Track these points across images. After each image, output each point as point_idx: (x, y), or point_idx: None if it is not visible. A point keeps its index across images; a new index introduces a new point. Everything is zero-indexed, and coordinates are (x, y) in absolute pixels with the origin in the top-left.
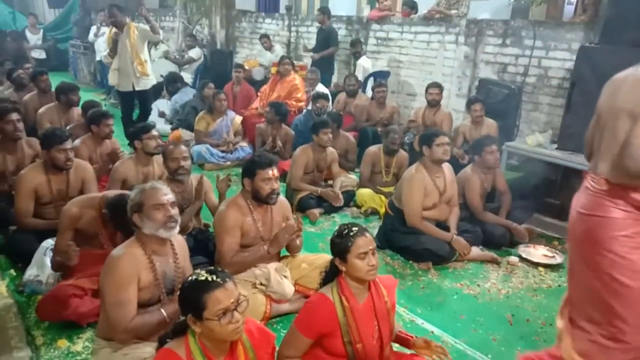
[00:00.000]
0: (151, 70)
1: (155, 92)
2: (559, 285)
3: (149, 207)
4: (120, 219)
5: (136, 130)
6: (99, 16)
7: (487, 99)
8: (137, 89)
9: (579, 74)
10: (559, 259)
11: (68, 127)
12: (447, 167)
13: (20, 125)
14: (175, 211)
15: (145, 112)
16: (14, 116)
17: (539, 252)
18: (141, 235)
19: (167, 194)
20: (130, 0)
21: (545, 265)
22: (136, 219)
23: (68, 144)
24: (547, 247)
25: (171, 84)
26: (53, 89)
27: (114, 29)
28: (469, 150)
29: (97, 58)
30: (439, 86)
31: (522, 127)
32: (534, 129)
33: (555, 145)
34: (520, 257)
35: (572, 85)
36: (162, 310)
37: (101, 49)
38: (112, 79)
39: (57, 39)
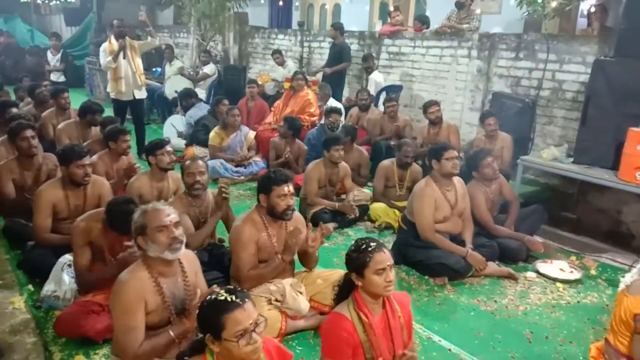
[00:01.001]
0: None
1: (170, 107)
2: (578, 302)
3: (152, 229)
4: (117, 222)
5: (150, 146)
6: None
7: (500, 112)
8: (136, 97)
9: (594, 87)
10: (577, 275)
11: (86, 143)
12: (458, 180)
13: (35, 141)
14: (179, 231)
15: (140, 117)
16: (29, 133)
17: (556, 267)
18: (147, 257)
19: (169, 215)
20: (106, 18)
21: (564, 281)
22: (140, 241)
23: (86, 160)
24: (565, 262)
25: (185, 99)
26: (72, 107)
27: (117, 40)
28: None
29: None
30: (437, 103)
31: (536, 140)
32: (549, 143)
33: (572, 159)
34: (537, 272)
35: (587, 98)
36: (170, 332)
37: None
38: (114, 87)
39: (74, 56)
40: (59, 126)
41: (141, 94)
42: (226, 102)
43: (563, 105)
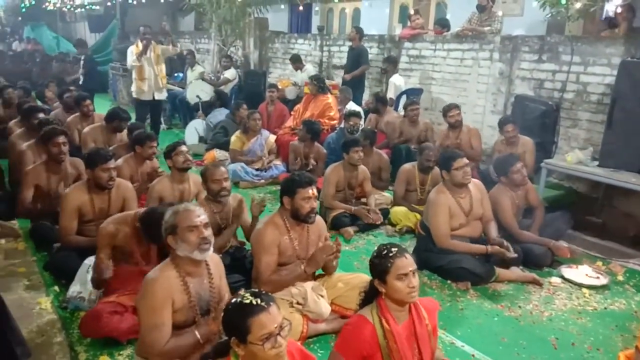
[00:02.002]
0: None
1: (191, 112)
2: (605, 308)
3: (182, 229)
4: (152, 232)
5: (167, 149)
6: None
7: (523, 115)
8: (156, 98)
9: (620, 89)
10: (604, 280)
11: (111, 148)
12: (474, 185)
13: (65, 148)
14: (208, 232)
15: (157, 117)
16: (61, 139)
17: (582, 273)
18: (175, 256)
19: (200, 215)
20: (129, 25)
21: (590, 287)
22: (170, 240)
23: (111, 164)
24: (591, 267)
25: (215, 103)
26: (96, 112)
27: (142, 43)
28: None
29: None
30: (457, 106)
31: (560, 144)
32: (573, 146)
33: (597, 163)
34: (562, 277)
35: (613, 101)
36: (196, 332)
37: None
38: (138, 86)
39: (98, 62)
40: (85, 130)
41: (161, 96)
42: (245, 107)
43: (588, 107)
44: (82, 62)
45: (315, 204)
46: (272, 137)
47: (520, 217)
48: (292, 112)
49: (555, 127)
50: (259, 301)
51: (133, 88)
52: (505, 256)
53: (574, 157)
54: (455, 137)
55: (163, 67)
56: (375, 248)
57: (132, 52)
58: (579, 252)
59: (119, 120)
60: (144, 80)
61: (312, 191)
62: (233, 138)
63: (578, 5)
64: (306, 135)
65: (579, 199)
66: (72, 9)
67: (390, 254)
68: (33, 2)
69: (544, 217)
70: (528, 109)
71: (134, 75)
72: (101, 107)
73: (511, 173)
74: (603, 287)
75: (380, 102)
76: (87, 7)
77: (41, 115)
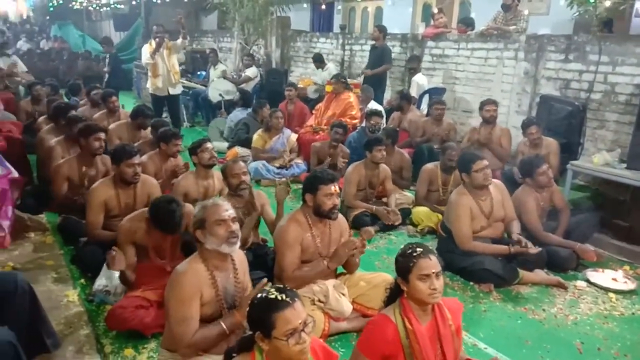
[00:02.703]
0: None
1: (213, 110)
2: (633, 314)
3: (211, 223)
4: (161, 222)
5: (192, 146)
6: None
7: (549, 116)
8: (170, 93)
9: None
10: (631, 285)
11: (136, 144)
12: (494, 186)
13: (102, 143)
14: (236, 226)
15: (176, 112)
16: (102, 135)
17: (608, 277)
18: (203, 250)
19: (228, 210)
20: (168, 23)
21: (617, 291)
22: (199, 235)
23: (136, 159)
24: (618, 272)
25: (238, 102)
26: (122, 109)
27: (156, 41)
28: None
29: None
30: (494, 102)
31: (587, 145)
32: (600, 147)
33: (624, 165)
34: (588, 281)
35: None
36: (222, 324)
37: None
38: (153, 82)
39: (122, 60)
40: (110, 127)
41: (175, 91)
42: (268, 106)
43: (615, 108)
44: (107, 60)
45: (338, 201)
46: (294, 136)
47: (545, 219)
48: (313, 111)
49: (582, 128)
50: (284, 297)
51: (148, 84)
52: (528, 253)
53: (601, 158)
54: (487, 133)
55: (175, 62)
56: (400, 247)
57: (146, 50)
58: (606, 256)
59: (143, 117)
60: (157, 76)
61: (334, 188)
62: (255, 136)
63: (607, 3)
64: (343, 137)
65: (606, 201)
66: (97, 8)
67: (415, 254)
68: (61, 2)
69: (569, 220)
70: (554, 109)
71: (148, 72)
72: (126, 104)
73: (537, 175)
74: (630, 292)
75: (405, 100)
76: (113, 6)
77: (73, 112)
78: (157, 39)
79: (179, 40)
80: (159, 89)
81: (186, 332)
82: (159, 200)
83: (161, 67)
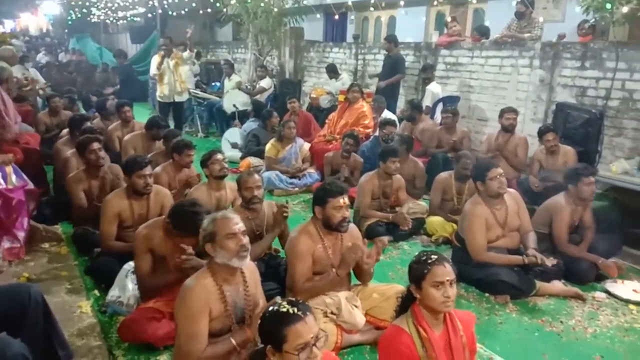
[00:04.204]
0: (187, 86)
1: (227, 121)
2: None
3: (221, 236)
4: (183, 224)
5: (203, 158)
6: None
7: (565, 123)
8: (176, 100)
9: None
10: None
11: (150, 155)
12: (509, 195)
13: (102, 152)
14: (246, 240)
15: (180, 118)
16: (95, 145)
17: (628, 288)
18: (213, 264)
19: (238, 223)
20: (181, 35)
21: (638, 303)
22: (209, 248)
23: (147, 170)
24: (639, 283)
25: (251, 112)
26: (136, 120)
27: (163, 53)
28: (545, 178)
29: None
30: (514, 111)
31: (604, 153)
32: (618, 156)
33: None
34: (607, 292)
35: None
36: (232, 340)
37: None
38: (160, 91)
39: (139, 72)
40: (126, 137)
41: (181, 98)
42: (276, 114)
43: (634, 116)
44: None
45: (348, 213)
46: (307, 146)
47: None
48: (326, 121)
49: (599, 136)
50: (295, 310)
51: (157, 92)
52: (544, 264)
53: (619, 167)
54: (505, 142)
55: (183, 72)
56: (415, 254)
57: (154, 61)
58: (626, 267)
59: (157, 128)
60: (164, 85)
61: (343, 200)
62: (268, 146)
63: (625, 9)
64: (356, 147)
65: (625, 210)
66: (114, 20)
67: (429, 261)
68: (79, 15)
69: (593, 237)
70: (570, 117)
71: (157, 81)
72: (141, 115)
73: (582, 184)
74: None
75: (415, 110)
76: (129, 19)
77: (88, 123)
78: (162, 52)
79: (186, 53)
80: (165, 96)
81: (195, 349)
82: (181, 203)
83: (167, 77)
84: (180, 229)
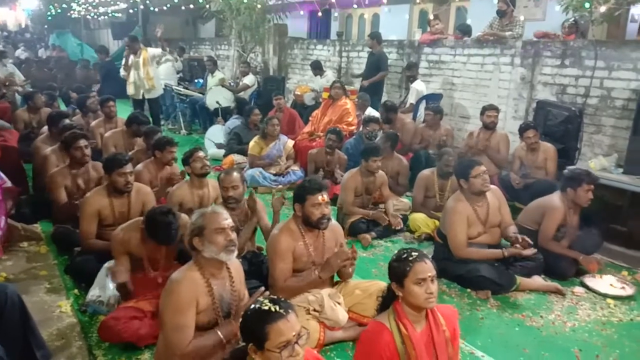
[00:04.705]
0: (157, 83)
1: (211, 118)
2: (631, 320)
3: (210, 231)
4: (156, 233)
5: (185, 156)
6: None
7: (546, 121)
8: (146, 97)
9: None
10: (629, 291)
11: (131, 152)
12: (491, 192)
13: (88, 150)
14: (234, 235)
15: (155, 114)
16: (82, 142)
17: (606, 283)
18: (200, 258)
19: (227, 219)
20: (151, 32)
21: (615, 297)
22: (197, 242)
23: (128, 168)
24: (616, 277)
25: (234, 110)
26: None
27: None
28: (526, 175)
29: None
30: (496, 108)
31: (583, 150)
32: (596, 152)
33: (621, 170)
34: (586, 287)
35: (639, 106)
36: (218, 332)
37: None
38: (129, 90)
39: (119, 68)
40: (106, 134)
41: (150, 95)
42: (257, 112)
43: (612, 113)
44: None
45: (327, 210)
46: (291, 142)
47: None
48: (310, 118)
49: (579, 133)
50: (277, 308)
51: (128, 89)
52: (522, 255)
53: (598, 163)
54: (486, 139)
55: (150, 69)
56: (395, 252)
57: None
58: (604, 262)
59: (137, 125)
60: (130, 83)
61: (322, 197)
62: (252, 143)
63: (603, 9)
64: (339, 144)
65: (603, 206)
66: (95, 16)
67: (410, 258)
68: (59, 11)
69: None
70: (550, 114)
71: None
72: (122, 111)
73: (582, 189)
74: (629, 298)
75: (391, 111)
76: (110, 14)
77: (67, 120)
78: (126, 51)
79: (157, 50)
80: (132, 93)
81: (181, 341)
82: (154, 212)
83: (132, 75)
84: (153, 237)
